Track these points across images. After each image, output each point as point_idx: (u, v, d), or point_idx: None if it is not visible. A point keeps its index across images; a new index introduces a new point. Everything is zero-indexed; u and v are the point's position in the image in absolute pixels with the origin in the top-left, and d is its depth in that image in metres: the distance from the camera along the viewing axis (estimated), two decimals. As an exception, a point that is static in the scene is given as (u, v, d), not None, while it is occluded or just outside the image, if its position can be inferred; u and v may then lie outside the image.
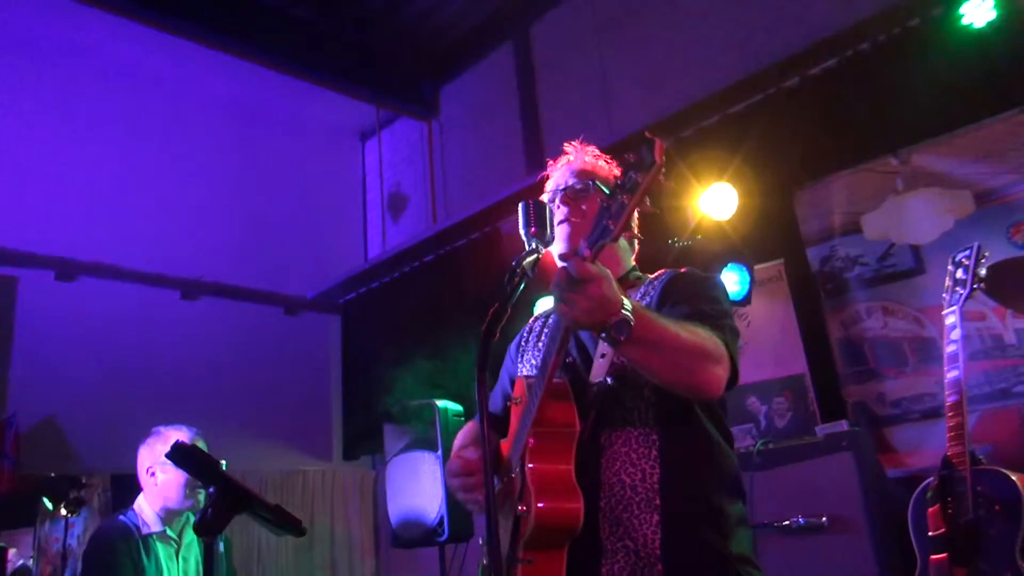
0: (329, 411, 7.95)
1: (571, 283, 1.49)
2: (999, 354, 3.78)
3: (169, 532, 3.09)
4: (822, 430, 3.43)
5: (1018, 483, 1.96)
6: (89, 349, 6.38)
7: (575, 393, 1.80)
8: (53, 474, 6.22)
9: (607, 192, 2.06)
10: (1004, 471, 2.04)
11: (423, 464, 3.82)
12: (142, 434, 3.35)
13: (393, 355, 6.67)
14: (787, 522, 3.18)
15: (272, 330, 7.61)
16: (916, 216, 4.09)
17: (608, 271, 1.54)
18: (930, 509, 2.09)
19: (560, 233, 1.99)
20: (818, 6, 4.80)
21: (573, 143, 2.16)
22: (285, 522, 1.59)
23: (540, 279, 2.06)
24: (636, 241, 2.16)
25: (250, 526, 7.07)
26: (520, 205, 1.90)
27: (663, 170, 1.43)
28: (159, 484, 3.06)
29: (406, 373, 6.44)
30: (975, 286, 2.27)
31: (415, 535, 3.76)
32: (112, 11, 5.98)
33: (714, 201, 4.26)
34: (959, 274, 2.32)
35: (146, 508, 3.07)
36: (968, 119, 4.00)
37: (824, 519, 3.11)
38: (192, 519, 3.19)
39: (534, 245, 1.81)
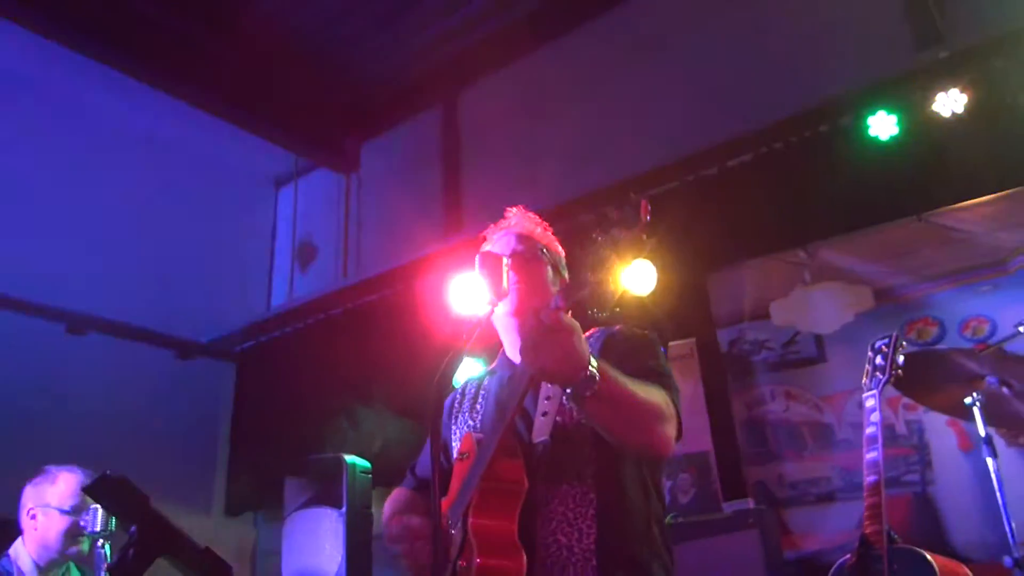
0: (214, 463, 7.54)
1: (544, 332, 1.49)
2: (890, 443, 3.98)
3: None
4: (729, 507, 3.51)
5: (934, 563, 2.05)
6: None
7: (522, 448, 1.79)
8: None
9: (547, 257, 2.11)
10: (921, 551, 2.13)
11: (324, 521, 3.65)
12: (13, 472, 3.10)
13: (292, 409, 6.44)
14: (693, 597, 3.20)
15: (162, 374, 7.21)
16: (820, 307, 4.32)
17: (578, 325, 1.55)
18: (846, 585, 2.16)
19: (511, 297, 1.99)
20: (738, 105, 5.10)
21: (514, 208, 2.20)
22: (214, 568, 1.48)
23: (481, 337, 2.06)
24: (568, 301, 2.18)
25: None
26: (476, 257, 1.92)
27: (646, 230, 1.46)
28: (39, 529, 2.82)
29: (307, 428, 6.22)
30: (893, 372, 2.41)
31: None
32: (28, 28, 5.75)
33: (635, 277, 4.37)
34: (878, 360, 2.46)
35: (23, 554, 2.81)
36: (870, 221, 4.29)
37: (729, 595, 3.14)
38: (72, 568, 2.95)
39: (490, 298, 1.82)
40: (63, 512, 2.85)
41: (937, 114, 4.19)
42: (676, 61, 5.61)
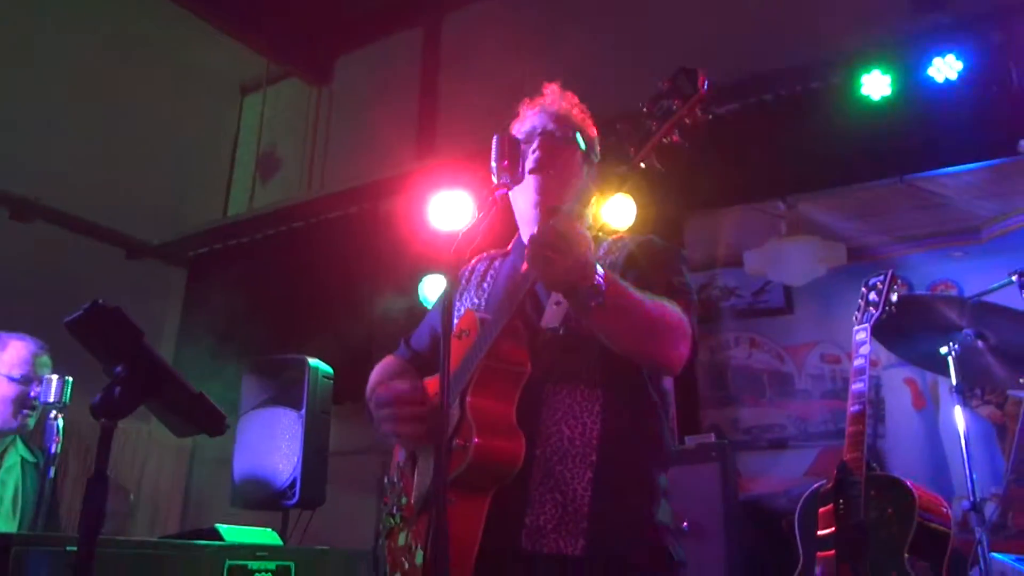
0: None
1: (556, 240, 1.40)
2: (845, 396, 4.05)
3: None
4: (692, 440, 3.54)
5: (914, 491, 2.09)
6: None
7: (530, 334, 1.73)
8: None
9: (584, 149, 2.00)
10: (902, 479, 2.16)
11: (282, 421, 3.58)
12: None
13: (244, 317, 6.29)
14: (650, 524, 3.23)
15: (110, 271, 6.95)
16: (793, 259, 4.35)
17: (589, 235, 1.49)
18: (821, 509, 2.18)
19: (530, 183, 1.89)
20: (734, 53, 5.04)
21: (552, 85, 2.07)
22: (206, 416, 1.39)
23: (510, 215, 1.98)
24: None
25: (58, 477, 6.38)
26: (494, 137, 1.81)
27: (703, 103, 1.38)
28: (-16, 398, 2.68)
29: (259, 340, 6.09)
30: (886, 308, 2.42)
31: (260, 495, 3.50)
32: None
33: (614, 211, 4.33)
34: (871, 296, 2.47)
35: (-36, 423, 2.68)
36: (852, 179, 4.32)
37: (685, 524, 3.18)
38: (19, 442, 2.84)
39: (505, 179, 1.72)
40: (11, 379, 2.72)
41: (931, 79, 4.20)
42: (674, 5, 5.51)
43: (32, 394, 2.70)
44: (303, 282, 6.47)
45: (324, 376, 3.70)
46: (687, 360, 1.70)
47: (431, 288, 4.76)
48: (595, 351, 1.76)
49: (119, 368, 1.33)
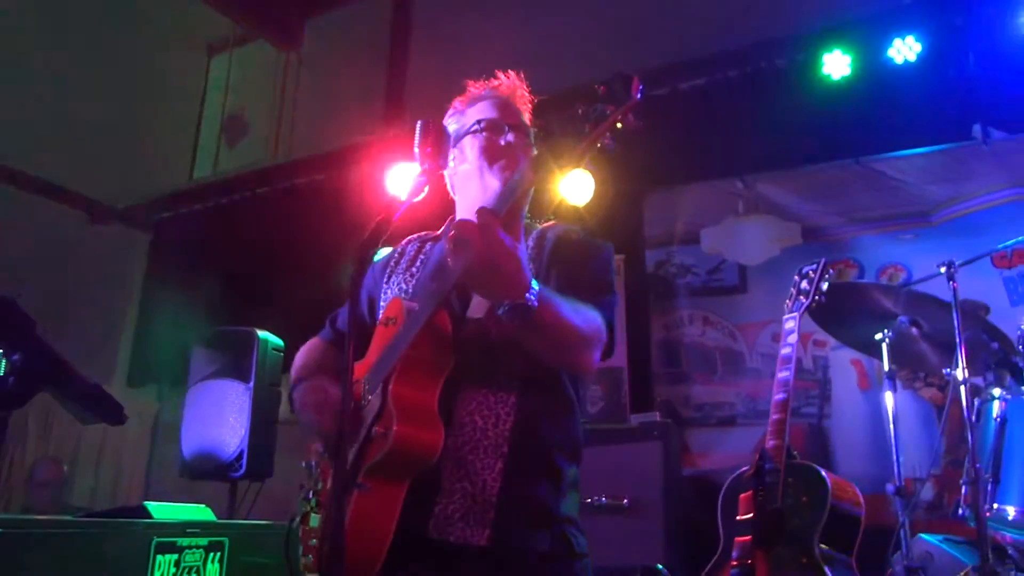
0: (118, 333, 7.31)
1: (479, 243, 1.39)
2: (795, 376, 4.11)
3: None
4: (636, 418, 3.58)
5: (828, 479, 2.13)
6: None
7: (453, 326, 1.72)
8: None
9: (531, 142, 1.98)
10: (817, 468, 2.20)
11: (230, 393, 3.57)
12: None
13: (208, 283, 6.25)
14: (589, 500, 3.28)
15: (72, 234, 6.88)
16: (749, 238, 4.38)
17: (522, 246, 1.48)
18: (742, 495, 2.22)
19: (468, 169, 1.87)
20: (698, 27, 5.01)
21: (505, 74, 2.03)
22: (104, 408, 1.39)
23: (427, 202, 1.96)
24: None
25: (6, 444, 6.36)
26: (418, 123, 1.79)
27: (636, 109, 1.38)
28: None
29: (221, 301, 6.06)
30: (816, 297, 2.45)
31: (208, 467, 3.52)
32: None
33: (572, 186, 4.32)
34: (803, 284, 2.49)
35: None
36: (810, 158, 4.34)
37: (625, 500, 3.23)
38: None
39: (426, 165, 1.71)
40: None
41: (891, 60, 4.20)
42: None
43: None
44: (265, 249, 6.42)
45: (274, 348, 3.70)
46: (598, 362, 1.72)
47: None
48: (515, 345, 1.77)
49: (15, 356, 1.31)
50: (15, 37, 6.35)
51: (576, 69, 5.42)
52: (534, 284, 1.46)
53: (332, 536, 1.37)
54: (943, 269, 2.42)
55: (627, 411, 4.40)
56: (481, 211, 1.46)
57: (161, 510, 2.33)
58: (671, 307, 4.51)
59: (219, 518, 2.68)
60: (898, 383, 3.01)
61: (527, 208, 2.01)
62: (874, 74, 4.25)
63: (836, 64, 4.31)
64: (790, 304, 2.48)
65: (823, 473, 2.15)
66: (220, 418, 3.54)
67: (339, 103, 7.13)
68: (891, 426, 2.63)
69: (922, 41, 4.17)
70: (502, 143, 1.84)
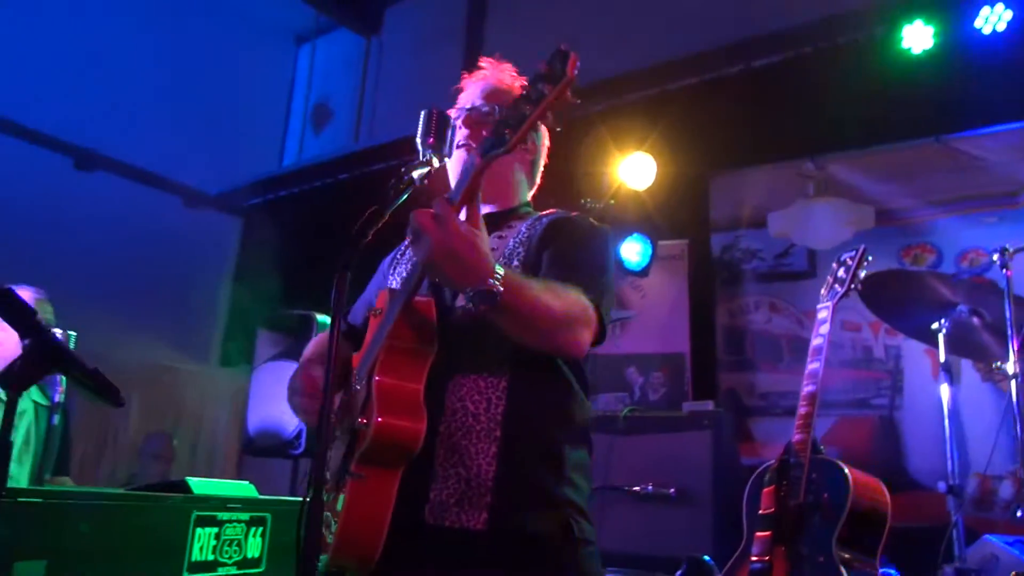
0: (212, 315, 7.70)
1: (435, 233, 1.40)
2: (865, 366, 3.95)
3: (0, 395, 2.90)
4: (688, 406, 3.51)
5: (850, 476, 2.04)
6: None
7: (440, 313, 1.73)
8: None
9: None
10: (840, 464, 2.11)
11: (290, 374, 3.70)
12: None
13: (289, 266, 6.49)
14: (637, 488, 3.25)
15: (168, 220, 7.26)
16: (820, 222, 4.20)
17: (482, 233, 1.47)
18: (765, 489, 2.15)
19: (457, 158, 1.88)
20: (769, 2, 4.82)
21: (490, 59, 2.04)
22: (103, 389, 1.48)
23: (429, 192, 1.98)
24: (534, 177, 2.08)
25: (112, 419, 6.83)
26: (422, 113, 1.80)
27: (572, 85, 1.35)
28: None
29: (296, 285, 6.27)
30: (852, 286, 2.33)
31: (269, 445, 3.67)
32: None
33: (633, 170, 4.25)
34: (840, 273, 2.38)
35: (-15, 368, 2.88)
36: (887, 139, 4.11)
37: (672, 490, 3.18)
38: (33, 388, 3.02)
39: (428, 156, 1.72)
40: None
41: (977, 30, 3.93)
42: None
43: None
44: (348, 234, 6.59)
45: (333, 331, 3.80)
46: (590, 344, 1.69)
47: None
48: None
49: (25, 342, 1.41)
50: (113, 35, 6.73)
51: (650, 48, 5.34)
52: (498, 269, 1.46)
53: (307, 529, 1.41)
54: (996, 256, 2.26)
55: (689, 398, 4.32)
56: (437, 200, 1.46)
57: (202, 485, 2.44)
58: (737, 293, 4.39)
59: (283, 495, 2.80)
60: (977, 375, 2.85)
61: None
62: (959, 46, 3.98)
63: (917, 36, 4.06)
64: (825, 293, 2.37)
65: (846, 470, 2.05)
66: (281, 398, 3.67)
67: (419, 87, 7.23)
68: (946, 420, 2.48)
69: (1013, 7, 3.87)
70: (466, 129, 1.84)
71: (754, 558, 2.04)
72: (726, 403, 4.25)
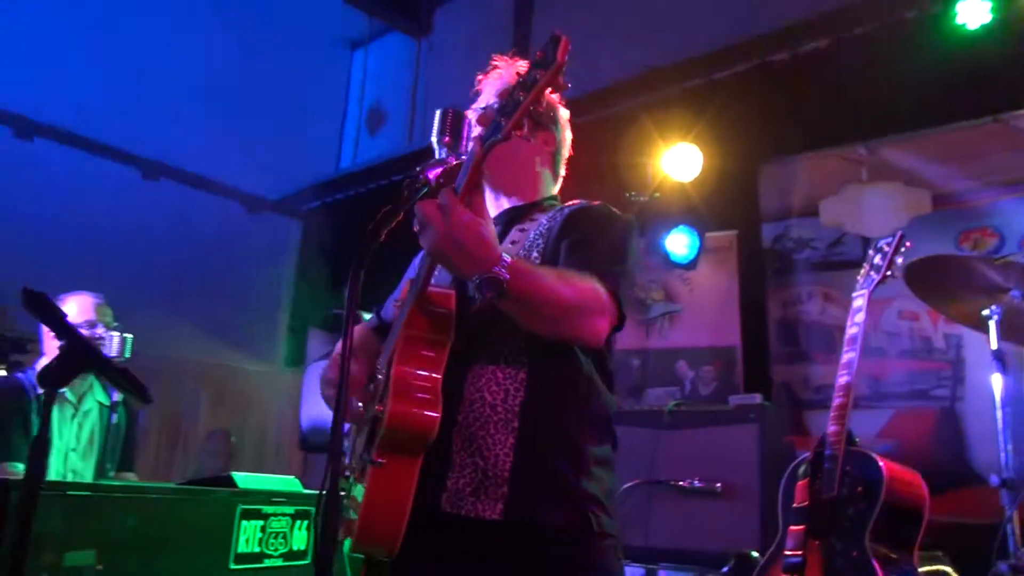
0: (276, 317, 7.91)
1: (439, 223, 1.42)
2: (925, 355, 3.82)
3: (68, 395, 3.05)
4: (735, 400, 3.45)
5: (884, 469, 1.98)
6: (37, 213, 6.22)
7: (460, 304, 1.75)
8: None
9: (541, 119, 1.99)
10: (875, 455, 2.05)
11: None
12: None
13: (345, 267, 6.62)
14: (683, 482, 3.22)
15: (230, 225, 7.49)
16: (873, 208, 4.08)
17: (485, 221, 1.48)
18: (800, 482, 2.11)
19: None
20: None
21: (504, 57, 2.05)
22: (131, 387, 1.56)
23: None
24: (557, 169, 2.08)
25: (183, 418, 7.10)
26: (437, 112, 1.82)
27: (563, 70, 1.36)
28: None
29: (363, 286, 6.38)
30: (888, 273, 2.26)
31: (320, 442, 3.77)
32: None
33: (677, 161, 4.20)
34: (877, 259, 2.30)
35: (45, 368, 3.02)
36: (942, 120, 3.97)
37: (719, 485, 3.14)
38: (96, 387, 3.16)
39: (443, 155, 1.74)
40: (78, 327, 2.99)
41: (1038, 2, 3.76)
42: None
43: (99, 338, 2.95)
44: (403, 235, 6.69)
45: (381, 330, 3.88)
46: (608, 332, 1.68)
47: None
48: None
49: (62, 343, 1.49)
50: (172, 47, 6.97)
51: (695, 38, 5.26)
52: (505, 257, 1.47)
53: (324, 518, 1.45)
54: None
55: (741, 392, 4.25)
56: (442, 191, 1.49)
57: (247, 480, 2.53)
58: (788, 283, 4.29)
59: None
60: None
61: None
62: (1018, 19, 3.81)
63: (973, 11, 3.89)
64: (861, 280, 2.31)
65: (880, 462, 1.99)
66: (331, 395, 3.76)
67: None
68: (998, 411, 2.39)
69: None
70: (480, 127, 1.84)
71: (788, 553, 2.00)
72: (780, 396, 4.17)
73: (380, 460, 1.69)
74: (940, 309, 2.88)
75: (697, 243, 4.17)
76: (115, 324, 3.03)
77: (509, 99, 1.41)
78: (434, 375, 1.69)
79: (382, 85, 8.15)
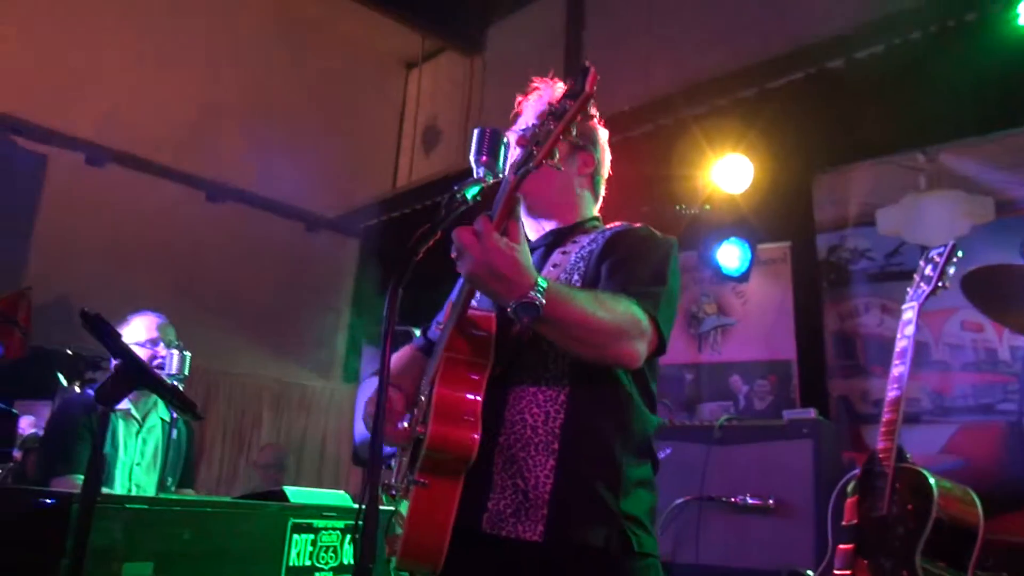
0: (336, 333, 8.07)
1: (475, 249, 1.45)
2: (989, 368, 3.69)
3: (134, 411, 3.17)
4: (788, 415, 3.39)
5: (935, 486, 1.92)
6: (110, 235, 6.49)
7: (501, 327, 1.77)
8: (70, 351, 6.33)
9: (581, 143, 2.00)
10: (925, 472, 1.99)
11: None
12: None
13: (413, 283, 6.71)
14: (735, 499, 3.16)
15: (291, 244, 7.69)
16: (933, 217, 3.96)
17: (520, 247, 1.51)
18: (849, 500, 2.06)
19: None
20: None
21: (544, 79, 2.07)
22: (183, 404, 1.62)
23: (483, 209, 2.03)
24: (598, 190, 2.09)
25: (245, 432, 7.29)
26: (475, 131, 1.85)
27: (591, 100, 1.39)
28: (124, 364, 3.13)
29: (407, 301, 6.47)
30: (939, 284, 2.19)
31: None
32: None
33: (727, 173, 4.16)
34: (928, 270, 2.24)
35: (111, 386, 3.15)
36: (1004, 124, 3.84)
37: (772, 501, 3.08)
38: (160, 404, 3.27)
39: (481, 174, 1.76)
40: (140, 345, 3.12)
41: (1105, 0, 3.62)
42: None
43: (160, 356, 3.06)
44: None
45: (433, 346, 3.92)
46: (645, 356, 1.68)
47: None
48: None
49: (116, 362, 1.56)
50: (234, 73, 7.22)
51: (746, 48, 5.21)
52: (541, 281, 1.49)
53: (363, 535, 1.49)
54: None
55: (797, 406, 4.17)
56: (478, 218, 1.51)
57: (299, 494, 2.59)
58: (845, 295, 4.19)
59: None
60: None
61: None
62: (1084, 18, 3.68)
63: (1034, 12, 3.78)
64: (911, 292, 2.24)
65: (931, 480, 1.93)
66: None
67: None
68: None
69: None
70: (519, 149, 1.86)
71: (836, 572, 1.95)
72: (838, 411, 4.07)
73: (422, 480, 1.72)
74: (1001, 320, 2.79)
75: (749, 255, 4.11)
76: (177, 343, 3.13)
77: (542, 127, 1.44)
78: (474, 397, 1.71)
79: (437, 103, 8.27)
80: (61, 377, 5.86)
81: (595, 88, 1.41)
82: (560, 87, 2.06)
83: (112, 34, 6.67)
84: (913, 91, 4.11)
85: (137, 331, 3.14)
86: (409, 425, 1.90)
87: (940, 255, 2.23)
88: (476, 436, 1.68)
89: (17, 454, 4.96)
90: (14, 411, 5.12)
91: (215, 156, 7.14)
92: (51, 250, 6.17)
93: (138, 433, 3.19)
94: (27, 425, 5.42)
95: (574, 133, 1.49)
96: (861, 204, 4.22)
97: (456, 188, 1.76)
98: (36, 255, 6.23)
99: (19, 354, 6.03)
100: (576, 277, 1.83)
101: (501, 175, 1.81)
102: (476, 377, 1.74)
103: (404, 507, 1.98)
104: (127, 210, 6.62)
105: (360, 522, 1.74)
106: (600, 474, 1.73)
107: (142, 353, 3.04)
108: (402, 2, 7.34)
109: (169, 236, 6.76)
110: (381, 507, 2.05)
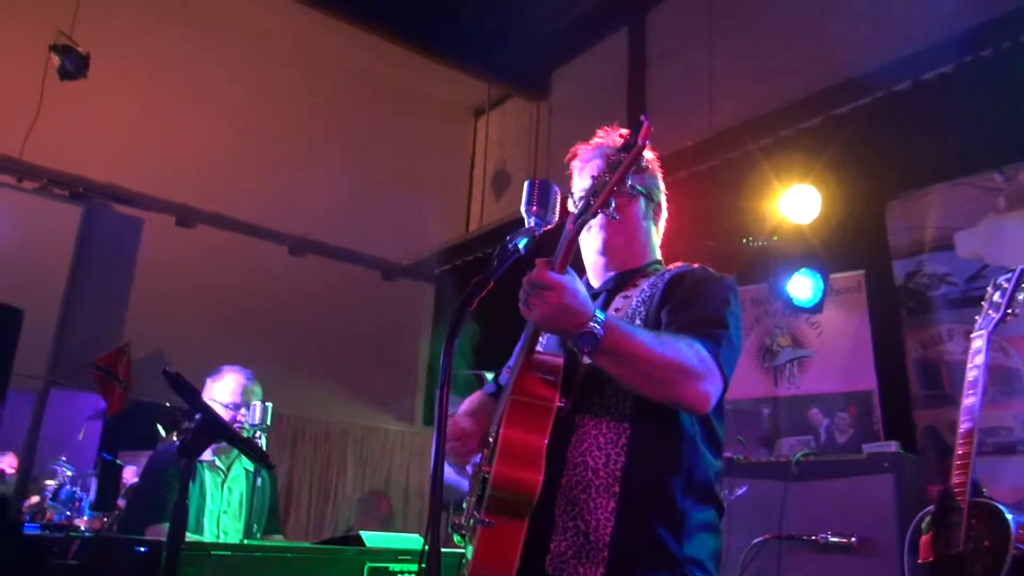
0: (416, 376, 8.23)
1: (532, 287, 1.53)
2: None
3: (218, 462, 3.32)
4: (868, 448, 3.29)
5: (1012, 521, 1.84)
6: (200, 292, 6.83)
7: (567, 370, 1.81)
8: (168, 404, 6.65)
9: (640, 190, 2.05)
10: (1001, 507, 1.91)
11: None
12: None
13: (474, 329, 6.83)
14: (815, 537, 3.08)
15: (369, 292, 7.93)
16: (1015, 238, 3.82)
17: (574, 282, 1.56)
18: (923, 537, 1.99)
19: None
20: (943, 5, 4.52)
21: (605, 127, 2.12)
22: (256, 455, 1.72)
23: (534, 258, 2.09)
24: (657, 232, 2.12)
25: (330, 477, 7.47)
26: (525, 183, 1.92)
27: (643, 152, 1.47)
28: (213, 417, 3.29)
29: (482, 345, 6.58)
30: (1008, 311, 2.12)
31: (448, 498, 3.86)
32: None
33: (794, 203, 4.12)
34: (996, 297, 2.17)
35: (198, 437, 3.31)
36: (1087, 139, 3.70)
37: (854, 539, 2.99)
38: (242, 455, 3.41)
39: (532, 223, 1.82)
40: (225, 406, 3.28)
41: None
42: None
43: (240, 418, 3.21)
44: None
45: (504, 389, 3.98)
46: (714, 397, 1.69)
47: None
48: (626, 386, 1.81)
49: (197, 417, 1.68)
50: (310, 128, 7.55)
51: (810, 77, 5.17)
52: (599, 315, 1.54)
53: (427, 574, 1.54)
54: None
55: (881, 438, 4.03)
56: (538, 263, 1.59)
57: (375, 539, 2.66)
58: (927, 322, 4.06)
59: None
60: None
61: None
62: None
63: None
64: (980, 320, 2.18)
65: (1008, 515, 1.85)
66: (458, 454, 3.87)
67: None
68: None
69: None
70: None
71: (914, 612, 1.89)
72: (925, 442, 3.92)
73: (488, 520, 1.76)
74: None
75: (821, 285, 4.04)
76: (262, 397, 3.28)
77: (599, 179, 1.51)
78: (539, 439, 1.75)
79: (505, 148, 8.44)
80: (160, 428, 6.16)
81: (647, 141, 1.47)
82: (618, 136, 2.11)
83: (201, 100, 7.07)
84: (986, 110, 4.00)
85: (226, 386, 3.30)
86: (477, 466, 1.96)
87: (1008, 281, 2.17)
88: (539, 478, 1.72)
89: (122, 503, 5.22)
90: (119, 462, 5.40)
91: (295, 211, 7.45)
92: (147, 307, 6.51)
93: (223, 483, 3.34)
94: (131, 475, 5.67)
95: (628, 183, 1.55)
96: (938, 228, 4.10)
97: (508, 239, 1.83)
98: (133, 313, 6.58)
99: (120, 408, 6.38)
100: (638, 321, 1.86)
101: (550, 224, 1.87)
102: (541, 420, 1.78)
103: (470, 550, 2.03)
104: (215, 267, 6.97)
105: (423, 564, 1.80)
106: (661, 518, 1.74)
107: (226, 415, 3.20)
108: (470, 55, 7.56)
109: (254, 290, 7.07)
110: (452, 548, 2.12)
